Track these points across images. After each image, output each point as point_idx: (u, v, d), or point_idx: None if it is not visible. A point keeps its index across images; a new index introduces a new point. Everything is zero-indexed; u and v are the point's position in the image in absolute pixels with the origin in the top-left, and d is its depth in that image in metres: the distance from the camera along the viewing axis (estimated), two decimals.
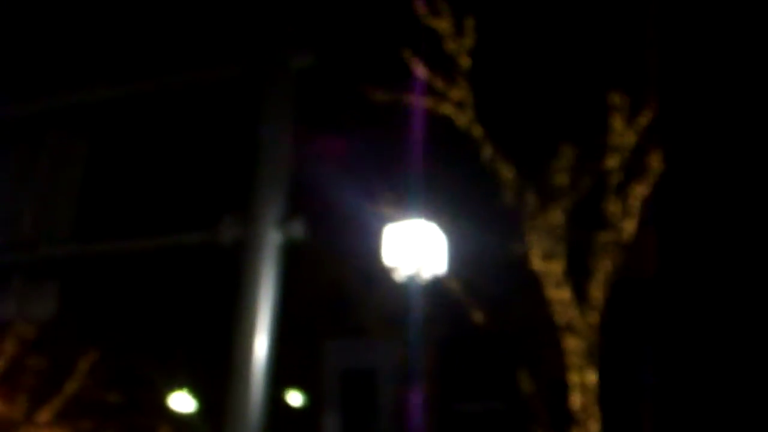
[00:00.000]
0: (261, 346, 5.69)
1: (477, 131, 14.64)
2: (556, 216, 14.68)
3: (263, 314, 5.73)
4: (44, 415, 24.36)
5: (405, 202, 12.53)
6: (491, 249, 15.10)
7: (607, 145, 14.70)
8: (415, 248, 11.90)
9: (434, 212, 12.08)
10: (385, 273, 12.01)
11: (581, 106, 14.84)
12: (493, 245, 15.08)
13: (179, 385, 22.12)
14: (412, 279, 11.89)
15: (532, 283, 14.80)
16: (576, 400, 14.40)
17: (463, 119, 14.57)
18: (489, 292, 15.33)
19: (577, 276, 14.66)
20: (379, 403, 10.74)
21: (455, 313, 15.42)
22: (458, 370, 18.40)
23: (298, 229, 5.90)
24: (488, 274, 15.22)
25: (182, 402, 22.11)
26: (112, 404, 24.55)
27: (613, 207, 14.64)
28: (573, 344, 14.37)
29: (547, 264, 14.54)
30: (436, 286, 12.36)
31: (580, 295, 14.65)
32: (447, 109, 14.59)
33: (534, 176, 14.82)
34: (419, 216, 12.06)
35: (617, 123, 14.59)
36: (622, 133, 14.57)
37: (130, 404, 24.17)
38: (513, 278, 15.25)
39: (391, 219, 12.44)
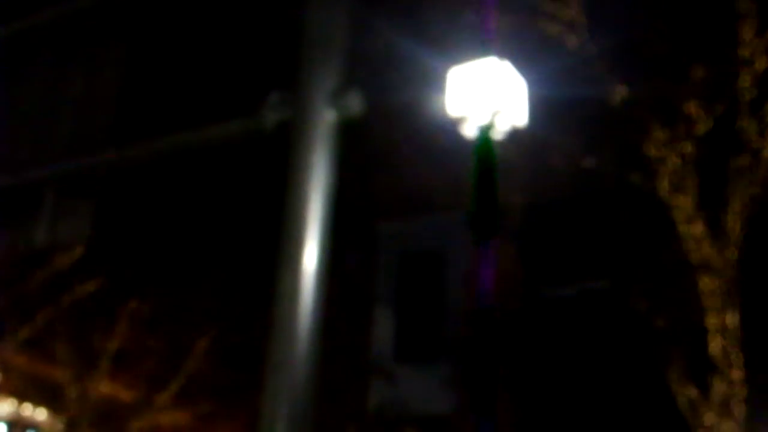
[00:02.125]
0: (313, 243, 4.72)
1: (591, 53, 13.39)
2: (686, 144, 13.32)
3: (317, 205, 4.76)
4: (163, 398, 24.12)
5: (473, 41, 10.38)
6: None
7: (738, 59, 13.32)
8: (486, 94, 9.55)
9: (510, 52, 10.26)
10: (451, 133, 10.05)
11: (706, 19, 13.59)
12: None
13: None
14: (484, 132, 9.55)
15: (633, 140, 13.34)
16: (716, 345, 13.00)
17: (573, 40, 13.33)
18: (581, 150, 13.80)
19: (711, 208, 13.31)
20: (445, 292, 9.23)
21: (539, 175, 13.92)
22: (546, 248, 16.54)
23: (354, 104, 4.89)
24: (579, 129, 13.72)
25: None
26: (230, 384, 24.22)
27: (747, 128, 13.23)
28: (710, 284, 13.00)
29: (676, 197, 13.20)
30: (514, 141, 10.52)
31: (716, 230, 13.27)
32: (556, 30, 13.35)
33: (659, 102, 13.52)
34: (490, 54, 9.76)
35: (747, 33, 13.22)
36: (753, 45, 13.21)
37: (248, 384, 23.72)
38: (611, 134, 13.71)
39: (457, 62, 10.01)
